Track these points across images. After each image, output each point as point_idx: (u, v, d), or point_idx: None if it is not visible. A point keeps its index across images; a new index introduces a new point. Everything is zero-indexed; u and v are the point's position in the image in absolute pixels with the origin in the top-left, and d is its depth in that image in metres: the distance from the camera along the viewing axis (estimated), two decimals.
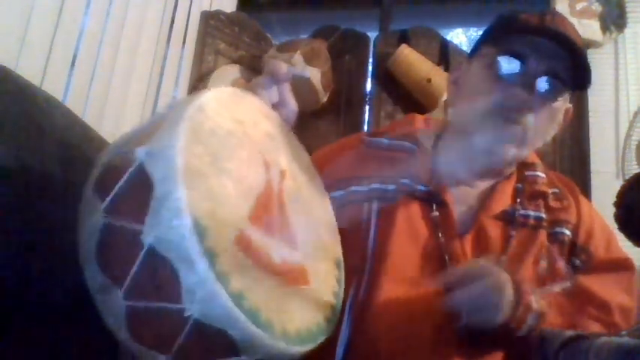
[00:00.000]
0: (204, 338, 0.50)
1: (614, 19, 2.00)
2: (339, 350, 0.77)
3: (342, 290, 0.69)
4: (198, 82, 1.96)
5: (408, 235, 0.83)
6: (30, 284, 0.65)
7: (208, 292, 0.48)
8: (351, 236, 0.83)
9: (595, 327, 0.80)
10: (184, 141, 0.52)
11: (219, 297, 0.48)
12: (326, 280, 0.66)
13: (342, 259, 0.72)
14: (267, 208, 0.60)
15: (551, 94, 0.83)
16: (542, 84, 0.82)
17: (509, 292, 0.72)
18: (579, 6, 2.01)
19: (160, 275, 0.49)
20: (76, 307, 0.56)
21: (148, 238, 0.49)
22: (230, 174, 0.56)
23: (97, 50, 1.61)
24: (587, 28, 1.97)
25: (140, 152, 0.51)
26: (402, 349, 0.77)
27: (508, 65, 0.83)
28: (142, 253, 0.49)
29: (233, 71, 2.01)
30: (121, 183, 0.52)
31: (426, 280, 0.80)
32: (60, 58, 1.46)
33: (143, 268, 0.49)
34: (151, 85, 1.82)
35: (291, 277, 0.60)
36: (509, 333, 0.74)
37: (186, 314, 0.48)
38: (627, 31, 2.02)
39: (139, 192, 0.50)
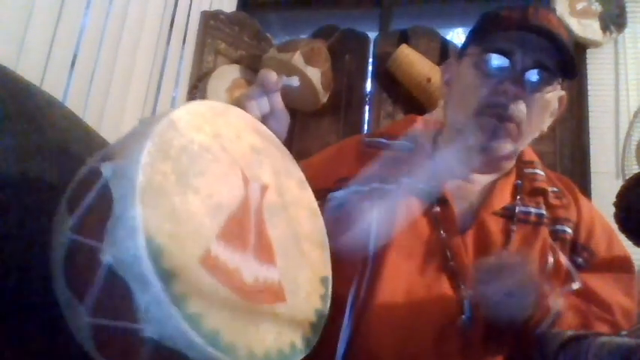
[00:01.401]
0: (164, 359, 0.49)
1: (614, 19, 2.00)
2: (340, 348, 0.77)
3: (328, 307, 0.67)
4: (198, 82, 1.96)
5: (410, 232, 0.83)
6: (29, 284, 0.65)
7: (163, 313, 0.47)
8: (352, 236, 0.84)
9: (602, 327, 0.80)
10: (148, 158, 0.51)
11: (174, 319, 0.47)
12: (307, 298, 0.65)
13: (329, 276, 0.70)
14: (241, 225, 0.59)
15: (540, 86, 0.84)
16: (530, 77, 0.83)
17: (537, 290, 0.72)
18: (579, 6, 2.01)
19: (118, 294, 0.49)
20: None
21: (106, 257, 0.48)
22: (198, 191, 0.55)
23: (97, 50, 1.61)
24: (587, 28, 1.97)
25: (106, 168, 0.51)
26: (403, 347, 0.77)
27: (495, 62, 0.84)
28: (100, 272, 0.49)
29: (233, 71, 2.01)
30: (87, 199, 0.52)
31: (427, 279, 0.80)
32: (60, 58, 1.46)
33: (102, 287, 0.49)
34: (150, 85, 1.82)
35: (263, 296, 0.58)
36: (526, 332, 0.74)
37: (143, 335, 0.48)
38: (627, 31, 2.02)
39: (102, 209, 0.50)
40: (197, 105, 0.62)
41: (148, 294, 0.47)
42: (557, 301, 0.75)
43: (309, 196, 0.74)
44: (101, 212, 0.50)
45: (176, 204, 0.52)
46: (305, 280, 0.66)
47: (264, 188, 0.65)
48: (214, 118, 0.63)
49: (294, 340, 0.60)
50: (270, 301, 0.59)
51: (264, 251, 0.61)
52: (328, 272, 0.70)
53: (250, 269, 0.58)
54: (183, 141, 0.56)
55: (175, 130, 0.56)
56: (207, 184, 0.57)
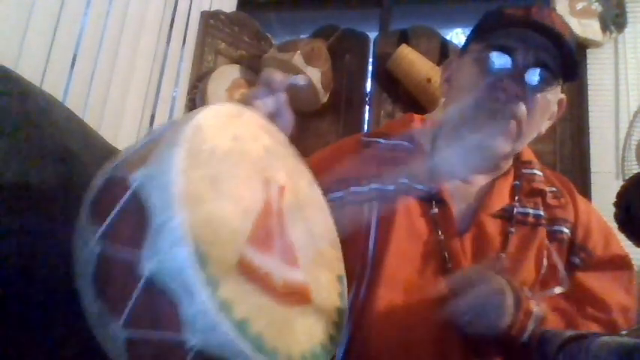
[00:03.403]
0: None
1: (614, 19, 2.00)
2: (339, 352, 0.77)
3: (346, 306, 0.67)
4: (198, 82, 1.96)
5: (408, 233, 0.83)
6: (30, 285, 0.65)
7: (210, 321, 0.46)
8: (351, 237, 0.83)
9: (595, 327, 0.80)
10: (182, 165, 0.50)
11: (221, 326, 0.47)
12: (329, 297, 0.65)
13: (344, 274, 0.70)
14: (266, 228, 0.58)
15: (541, 85, 0.84)
16: (531, 76, 0.83)
17: (509, 298, 0.72)
18: (579, 6, 2.01)
19: (159, 305, 0.48)
20: (75, 308, 0.56)
21: (145, 268, 0.47)
22: (229, 196, 0.55)
23: (97, 50, 1.61)
24: (587, 28, 1.97)
25: (135, 178, 0.50)
26: (402, 351, 0.77)
27: (497, 59, 0.84)
28: (139, 283, 0.47)
29: (233, 71, 2.02)
30: (116, 210, 0.50)
31: (426, 281, 0.80)
32: (60, 58, 1.46)
33: (141, 299, 0.48)
34: (150, 85, 1.82)
35: (293, 298, 0.58)
36: (512, 340, 0.74)
37: (188, 345, 0.47)
38: (627, 31, 2.02)
39: (135, 219, 0.49)
40: (217, 108, 0.61)
41: (194, 303, 0.46)
42: (539, 306, 0.76)
43: (318, 194, 0.74)
44: (135, 222, 0.49)
45: (211, 210, 0.51)
46: (325, 280, 0.66)
47: (281, 189, 0.64)
48: (233, 121, 0.63)
49: (323, 339, 0.60)
50: (299, 303, 0.59)
51: (288, 253, 0.61)
52: (343, 270, 0.71)
53: (279, 272, 0.57)
54: (209, 145, 0.55)
55: (202, 134, 0.55)
56: (235, 189, 0.56)
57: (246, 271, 0.53)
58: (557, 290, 0.82)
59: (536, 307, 0.75)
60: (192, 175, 0.51)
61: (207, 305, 0.46)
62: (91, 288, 0.52)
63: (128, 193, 0.50)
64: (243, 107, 0.67)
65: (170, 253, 0.47)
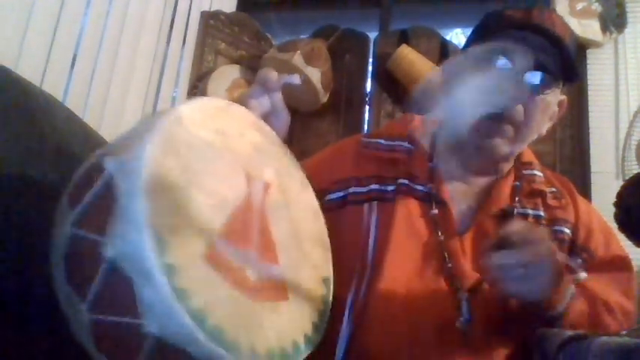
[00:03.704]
0: (165, 355, 0.49)
1: (614, 19, 2.00)
2: (340, 349, 0.77)
3: (329, 308, 0.67)
4: (198, 82, 1.96)
5: (408, 233, 0.83)
6: (30, 286, 0.65)
7: (167, 308, 0.47)
8: (351, 237, 0.83)
9: (609, 319, 0.80)
10: (154, 153, 0.51)
11: (177, 314, 0.47)
12: (309, 297, 0.64)
13: (331, 277, 0.69)
14: (244, 223, 0.58)
15: (541, 88, 0.83)
16: (530, 78, 0.82)
17: (556, 265, 0.71)
18: (579, 6, 2.01)
19: (120, 290, 0.48)
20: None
21: (108, 252, 0.48)
22: (203, 187, 0.55)
23: (97, 50, 1.61)
24: (587, 28, 1.97)
25: (109, 163, 0.51)
26: (403, 348, 0.77)
27: (497, 62, 0.83)
28: (103, 267, 0.48)
29: (233, 71, 2.02)
30: (90, 194, 0.51)
31: (425, 281, 0.80)
32: (60, 58, 1.46)
33: (104, 282, 0.49)
34: (150, 85, 1.83)
35: (267, 294, 0.58)
36: (542, 315, 0.73)
37: (145, 330, 0.48)
38: (627, 31, 2.02)
39: (105, 204, 0.50)
40: (202, 102, 0.62)
41: (151, 289, 0.47)
42: (570, 287, 0.76)
43: (310, 196, 0.74)
44: (104, 207, 0.50)
45: (180, 199, 0.52)
46: (307, 280, 0.66)
47: (266, 186, 0.64)
48: (218, 115, 0.63)
49: (297, 339, 0.59)
50: (273, 299, 0.59)
51: (268, 249, 0.61)
52: (329, 272, 0.70)
53: (254, 267, 0.57)
54: (188, 137, 0.56)
55: (181, 125, 0.56)
56: (211, 181, 0.57)
57: (216, 262, 0.53)
58: (583, 275, 0.82)
59: (568, 288, 0.75)
60: (163, 164, 0.51)
61: (164, 292, 0.47)
62: (62, 271, 0.52)
63: (102, 178, 0.51)
64: (232, 103, 0.67)
65: (131, 239, 0.47)
